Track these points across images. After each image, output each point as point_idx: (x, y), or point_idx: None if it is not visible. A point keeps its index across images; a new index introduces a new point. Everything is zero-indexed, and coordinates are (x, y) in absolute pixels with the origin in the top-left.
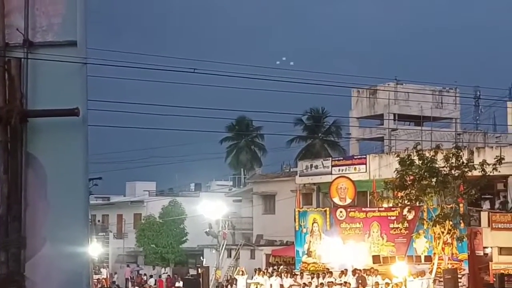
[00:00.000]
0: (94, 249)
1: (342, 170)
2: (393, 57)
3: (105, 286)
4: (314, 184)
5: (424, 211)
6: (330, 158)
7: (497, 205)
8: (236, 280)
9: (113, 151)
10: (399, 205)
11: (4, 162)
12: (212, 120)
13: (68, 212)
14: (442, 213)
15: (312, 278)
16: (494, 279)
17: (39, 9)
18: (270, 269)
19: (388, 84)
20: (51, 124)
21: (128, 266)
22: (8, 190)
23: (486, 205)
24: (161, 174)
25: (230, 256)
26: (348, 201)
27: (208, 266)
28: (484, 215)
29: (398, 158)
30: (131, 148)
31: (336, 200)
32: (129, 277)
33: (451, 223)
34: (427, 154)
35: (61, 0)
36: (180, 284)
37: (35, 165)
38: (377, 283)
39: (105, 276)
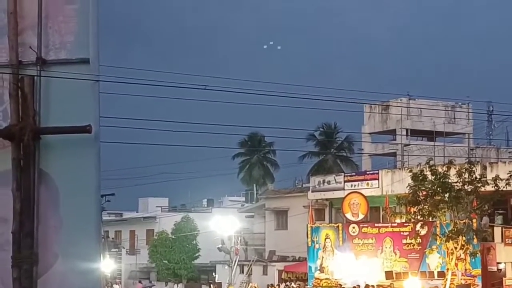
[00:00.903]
0: (107, 265)
1: (355, 185)
2: (404, 72)
3: None
4: (327, 199)
5: (437, 226)
6: (343, 174)
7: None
8: None
9: (126, 167)
10: (412, 220)
11: (17, 179)
12: (224, 136)
13: (81, 229)
14: (455, 229)
15: None
16: None
17: (52, 27)
18: (282, 285)
19: (401, 100)
20: (64, 141)
21: (140, 282)
22: (21, 206)
23: (498, 220)
24: (174, 190)
25: (243, 272)
26: (361, 216)
27: (220, 282)
28: (497, 231)
29: (410, 174)
30: (144, 164)
31: (349, 215)
32: None
33: (464, 238)
34: (440, 170)
35: (74, 18)
36: None
37: (47, 181)
38: None
39: None
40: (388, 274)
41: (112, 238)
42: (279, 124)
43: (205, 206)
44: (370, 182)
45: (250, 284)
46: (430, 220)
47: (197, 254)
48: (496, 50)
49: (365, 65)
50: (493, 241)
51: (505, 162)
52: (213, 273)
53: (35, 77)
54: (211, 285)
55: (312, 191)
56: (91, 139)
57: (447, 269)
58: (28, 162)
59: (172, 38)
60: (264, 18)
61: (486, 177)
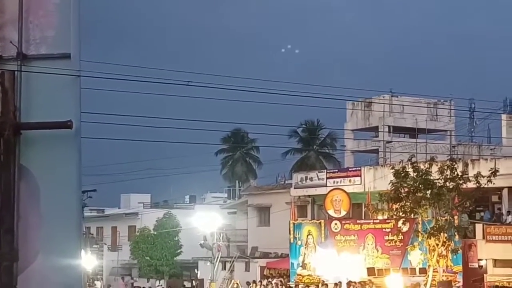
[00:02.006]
0: (88, 261)
1: (337, 182)
2: (388, 69)
3: None
4: (309, 196)
5: (419, 223)
6: (325, 170)
7: (478, 217)
8: None
9: (108, 163)
10: (394, 217)
11: None
12: (207, 132)
13: (61, 225)
14: (437, 225)
15: None
16: None
17: (33, 21)
18: (264, 282)
19: (383, 97)
20: (44, 136)
21: (123, 279)
22: (1, 202)
23: (487, 214)
24: (156, 186)
25: (225, 269)
26: (343, 213)
27: (202, 279)
28: (479, 227)
29: (393, 170)
30: (125, 160)
31: (331, 212)
32: None
33: (445, 235)
34: (422, 166)
35: (55, 13)
36: None
37: (28, 177)
38: None
39: None
40: (370, 271)
41: (93, 234)
42: (262, 120)
43: (188, 202)
44: (352, 178)
45: (233, 281)
46: (412, 217)
47: (179, 251)
48: (480, 48)
49: (349, 61)
50: (475, 238)
51: (486, 159)
52: (195, 270)
53: (16, 72)
54: (193, 282)
55: (294, 188)
56: (72, 134)
57: (429, 265)
58: (8, 157)
59: (157, 34)
60: (249, 14)
61: (467, 174)
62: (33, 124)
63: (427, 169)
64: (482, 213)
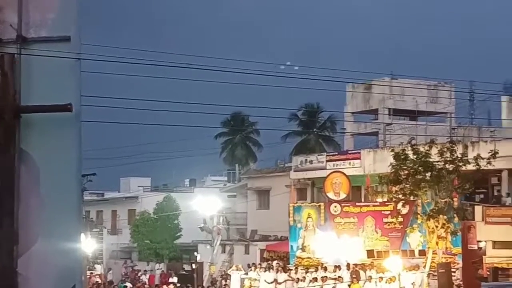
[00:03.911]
0: (88, 245)
1: (337, 165)
2: (388, 51)
3: (100, 282)
4: (309, 179)
5: (418, 205)
6: (325, 153)
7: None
8: (230, 276)
9: (108, 147)
10: (393, 199)
11: None
12: (207, 116)
13: (61, 208)
14: (436, 208)
15: (306, 273)
16: (488, 273)
17: (33, 4)
18: (264, 264)
19: (383, 79)
20: (45, 120)
21: (125, 262)
22: (1, 186)
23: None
24: (156, 169)
25: (225, 252)
26: (343, 196)
27: (202, 262)
28: (478, 209)
29: (392, 153)
30: (125, 143)
31: (331, 195)
32: (123, 273)
33: (445, 217)
34: (422, 149)
35: None
36: (175, 279)
37: (28, 161)
38: (370, 277)
39: (99, 272)
40: (370, 253)
41: (91, 218)
42: (262, 103)
43: (187, 185)
44: (352, 161)
45: (234, 264)
46: (412, 199)
47: (179, 234)
48: (479, 30)
49: (349, 43)
50: (474, 220)
51: (486, 141)
52: (195, 253)
53: (16, 55)
54: (193, 265)
55: (294, 171)
56: (72, 118)
57: (428, 247)
58: (8, 141)
59: (157, 16)
60: None
61: (467, 156)
62: (33, 107)
63: (427, 152)
64: (481, 195)
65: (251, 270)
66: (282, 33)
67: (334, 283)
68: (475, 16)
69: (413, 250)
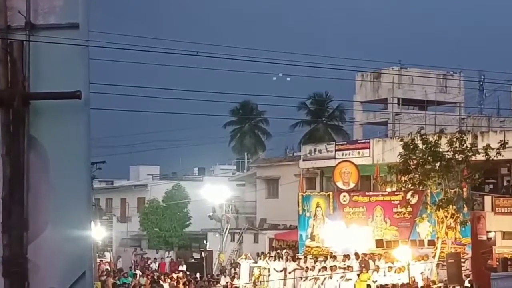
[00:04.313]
0: (98, 233)
1: (346, 154)
2: (397, 41)
3: (110, 269)
4: (318, 168)
5: (428, 195)
6: (334, 143)
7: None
8: (240, 264)
9: (117, 135)
10: (403, 189)
11: (6, 145)
12: (216, 104)
13: (71, 195)
14: (446, 198)
15: (315, 262)
16: (497, 263)
17: None
18: (273, 253)
19: (392, 68)
20: (53, 107)
21: (135, 250)
22: (11, 173)
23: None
24: (165, 158)
25: (234, 240)
26: (352, 185)
27: (211, 250)
28: (487, 200)
29: (401, 143)
30: (135, 132)
31: (340, 184)
32: (133, 260)
33: (454, 207)
34: (431, 139)
35: None
36: (184, 267)
37: (37, 148)
38: (378, 267)
39: (109, 260)
40: (379, 243)
41: (101, 206)
42: (271, 92)
43: (196, 174)
44: (361, 151)
45: (244, 253)
46: (421, 189)
47: (188, 222)
48: (489, 19)
49: (357, 33)
50: (483, 210)
51: (496, 131)
52: (204, 241)
53: (24, 42)
54: (202, 253)
55: (303, 160)
56: (81, 105)
57: (437, 237)
58: (17, 127)
59: (165, 3)
60: None
61: (477, 146)
62: (42, 94)
63: (436, 141)
64: (491, 186)
65: (260, 259)
66: (288, 22)
67: (343, 272)
68: (484, 4)
69: (422, 240)
